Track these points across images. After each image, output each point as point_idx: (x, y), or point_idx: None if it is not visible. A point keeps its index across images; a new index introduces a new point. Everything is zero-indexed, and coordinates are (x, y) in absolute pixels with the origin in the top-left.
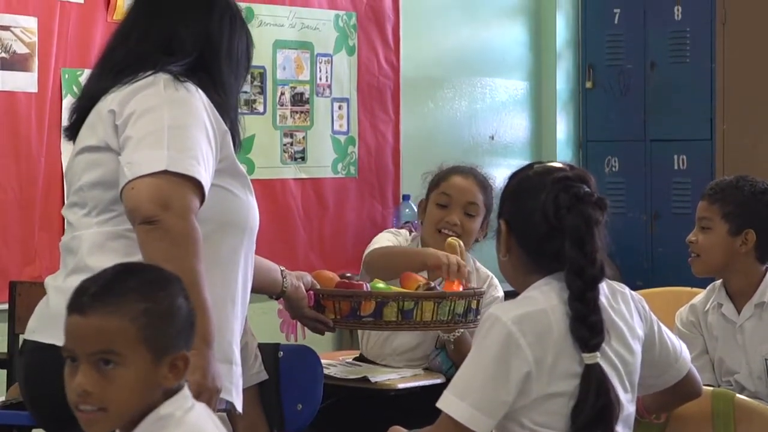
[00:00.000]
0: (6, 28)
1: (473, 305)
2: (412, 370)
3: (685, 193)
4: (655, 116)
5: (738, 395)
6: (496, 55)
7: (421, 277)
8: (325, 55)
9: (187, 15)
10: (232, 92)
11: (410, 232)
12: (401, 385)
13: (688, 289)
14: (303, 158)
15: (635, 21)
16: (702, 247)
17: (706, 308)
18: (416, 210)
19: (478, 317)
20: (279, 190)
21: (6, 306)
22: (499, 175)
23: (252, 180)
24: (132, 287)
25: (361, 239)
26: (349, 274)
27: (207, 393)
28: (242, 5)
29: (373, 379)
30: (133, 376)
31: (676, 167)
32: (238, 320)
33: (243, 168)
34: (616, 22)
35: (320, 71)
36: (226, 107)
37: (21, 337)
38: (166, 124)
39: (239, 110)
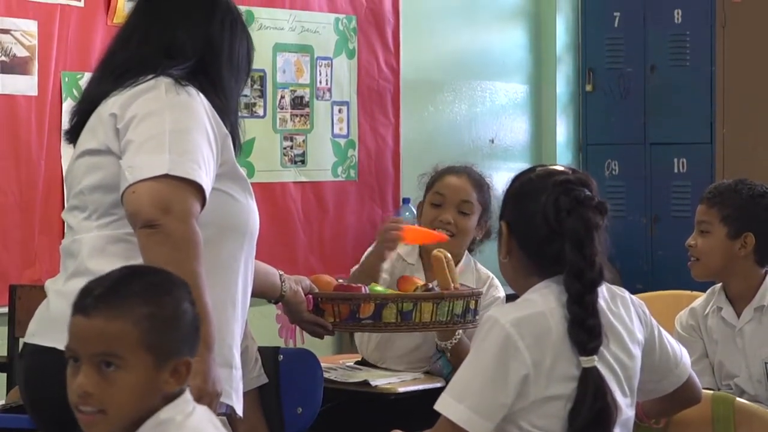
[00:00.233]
0: (6, 31)
1: (471, 305)
2: (412, 373)
3: (685, 196)
4: (655, 119)
5: (738, 399)
6: (496, 58)
7: (419, 279)
8: (325, 58)
9: (188, 19)
10: (232, 96)
11: None
12: (401, 389)
13: (688, 292)
14: (303, 161)
15: (635, 24)
16: (701, 250)
17: (706, 312)
18: (415, 213)
19: (477, 317)
20: (279, 194)
21: (6, 309)
22: (500, 179)
23: (252, 183)
24: (137, 291)
25: (361, 242)
26: (341, 279)
27: (207, 397)
28: (242, 8)
29: (373, 383)
30: (133, 380)
31: (676, 170)
32: (238, 324)
33: (243, 172)
34: (616, 25)
35: (320, 74)
36: (227, 111)
37: (21, 341)
38: (167, 128)
39: (239, 114)
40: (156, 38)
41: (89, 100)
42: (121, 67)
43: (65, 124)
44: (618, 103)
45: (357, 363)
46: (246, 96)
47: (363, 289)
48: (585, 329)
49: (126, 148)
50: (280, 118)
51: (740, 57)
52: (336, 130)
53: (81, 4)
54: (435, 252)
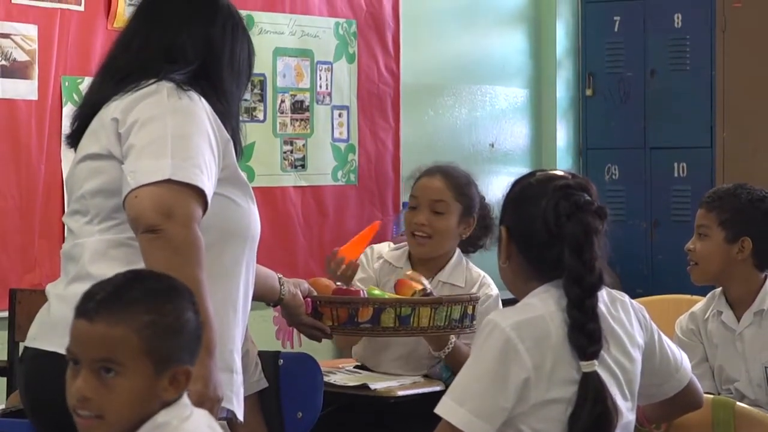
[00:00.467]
0: (6, 35)
1: (469, 311)
2: (411, 377)
3: (685, 200)
4: (655, 124)
5: (738, 403)
6: (497, 62)
7: (417, 284)
8: (325, 62)
9: (189, 23)
10: (233, 100)
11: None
12: (401, 393)
13: (688, 296)
14: (303, 166)
15: (635, 29)
16: (700, 254)
17: (706, 316)
18: None
19: (474, 323)
20: (279, 198)
21: (6, 314)
22: (500, 183)
23: (252, 188)
24: (140, 297)
25: None
26: (339, 283)
27: (209, 402)
28: (243, 13)
29: (372, 387)
30: (132, 387)
31: (676, 175)
32: (239, 328)
33: (244, 176)
34: (616, 29)
35: (320, 79)
36: (228, 115)
37: (21, 345)
38: (169, 132)
39: (240, 118)
40: (157, 42)
41: (90, 104)
42: (122, 72)
43: (66, 129)
44: (618, 107)
45: (356, 367)
46: (246, 100)
47: (361, 292)
48: (585, 334)
49: (128, 153)
50: (280, 123)
51: (740, 61)
52: (336, 135)
53: (81, 8)
54: (406, 273)
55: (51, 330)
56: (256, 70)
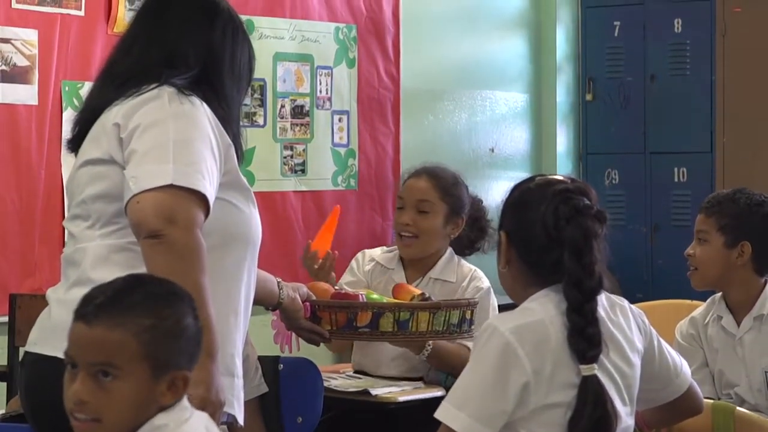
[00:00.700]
0: (6, 40)
1: (468, 315)
2: (412, 383)
3: (685, 205)
4: (655, 129)
5: (738, 408)
6: (497, 67)
7: (415, 288)
8: (325, 67)
9: (190, 27)
10: (234, 105)
11: None
12: (402, 398)
13: (688, 301)
14: (303, 171)
15: (635, 34)
16: (699, 260)
17: (706, 321)
18: None
19: (473, 327)
20: (279, 203)
21: (6, 318)
22: (500, 188)
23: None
24: (139, 301)
25: None
26: (337, 287)
27: (211, 407)
28: (242, 17)
29: (373, 392)
30: (130, 391)
31: (676, 180)
32: (240, 332)
33: (246, 181)
34: (616, 34)
35: (320, 84)
36: (229, 120)
37: (21, 350)
38: (171, 137)
39: (241, 123)
40: (158, 47)
41: (91, 109)
42: (123, 76)
43: (66, 134)
44: (618, 112)
45: (356, 372)
46: (246, 105)
47: (360, 297)
48: (585, 338)
49: (129, 158)
50: (280, 128)
51: (740, 66)
52: (336, 139)
53: (81, 13)
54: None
55: (51, 335)
56: (256, 75)
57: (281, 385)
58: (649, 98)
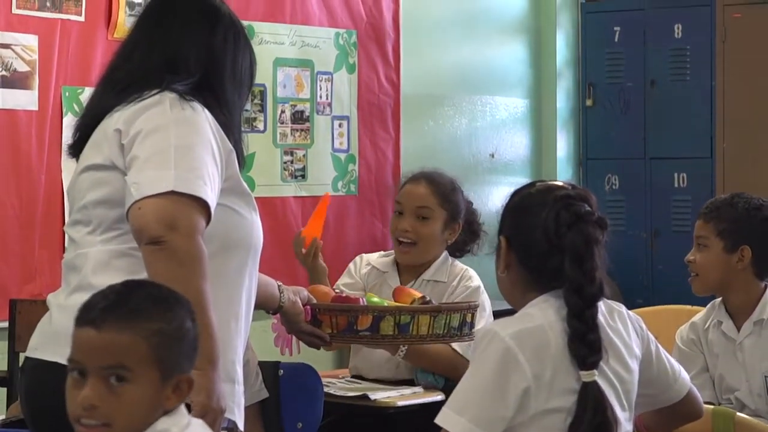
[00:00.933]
0: (6, 46)
1: (468, 318)
2: (411, 387)
3: (685, 211)
4: (655, 134)
5: (738, 413)
6: (497, 73)
7: (416, 291)
8: (325, 73)
9: (191, 33)
10: (235, 110)
11: None
12: (401, 403)
13: (688, 307)
14: (303, 176)
15: (635, 39)
16: (700, 265)
17: (706, 326)
18: None
19: (473, 330)
20: (279, 208)
21: (6, 324)
22: (500, 193)
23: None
24: (144, 305)
25: None
26: (338, 290)
27: (212, 413)
28: (243, 23)
29: (372, 397)
30: (141, 394)
31: (676, 185)
32: (241, 338)
33: (247, 186)
34: (616, 40)
35: (320, 89)
36: (231, 126)
37: (21, 355)
38: (172, 143)
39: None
40: (159, 53)
41: (92, 114)
42: (124, 82)
43: (66, 139)
44: (618, 117)
45: (353, 376)
46: (246, 110)
47: (361, 300)
48: (585, 344)
49: (131, 164)
50: (280, 133)
51: (740, 72)
52: (336, 145)
53: (81, 18)
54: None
55: (52, 340)
56: (256, 80)
57: (281, 391)
58: (649, 104)
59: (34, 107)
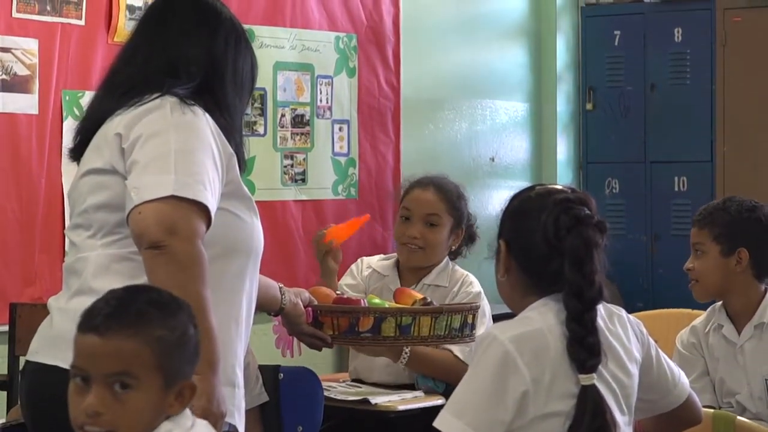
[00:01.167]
0: (7, 50)
1: (469, 320)
2: (412, 391)
3: (685, 214)
4: (655, 138)
5: (739, 417)
6: (497, 76)
7: (417, 293)
8: (325, 76)
9: (192, 37)
10: (237, 114)
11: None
12: (401, 407)
13: (689, 311)
14: (303, 180)
15: (635, 43)
16: (699, 272)
17: (707, 329)
18: None
19: (474, 332)
20: (279, 212)
21: (6, 328)
22: (500, 197)
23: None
24: (149, 311)
25: None
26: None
27: (212, 418)
28: (243, 26)
29: (373, 401)
30: (145, 401)
31: (676, 189)
32: (241, 342)
33: (248, 191)
34: (616, 44)
35: (321, 93)
36: (232, 130)
37: (21, 359)
38: (173, 148)
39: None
40: (160, 57)
41: (93, 118)
42: (124, 86)
43: (66, 143)
44: (618, 121)
45: (353, 379)
46: (247, 114)
47: (362, 302)
48: (585, 347)
49: (131, 169)
50: (280, 137)
51: (740, 76)
52: (336, 149)
53: (82, 22)
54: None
55: (53, 344)
56: (257, 84)
57: (282, 394)
58: (650, 107)
59: (35, 111)
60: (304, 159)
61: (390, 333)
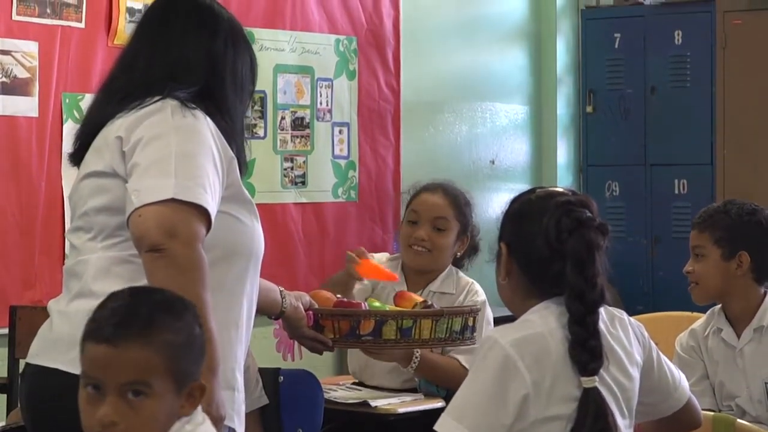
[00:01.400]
0: (7, 52)
1: (470, 322)
2: (412, 394)
3: (685, 217)
4: (655, 141)
5: (739, 420)
6: (497, 79)
7: (417, 296)
8: (325, 79)
9: (192, 39)
10: (237, 117)
11: None
12: (401, 410)
13: (689, 313)
14: (303, 182)
15: (635, 46)
16: (699, 275)
17: (706, 333)
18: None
19: (475, 334)
20: (279, 215)
21: (6, 330)
22: (500, 200)
23: None
24: (158, 316)
25: None
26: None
27: (211, 421)
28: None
29: (373, 404)
30: (160, 407)
31: (676, 191)
32: (241, 346)
33: (248, 194)
34: (616, 46)
35: (321, 95)
36: (232, 133)
37: (21, 362)
38: (173, 151)
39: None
40: (160, 60)
41: (93, 122)
42: (125, 90)
43: (66, 146)
44: (618, 124)
45: (354, 383)
46: (247, 117)
47: (363, 305)
48: (587, 350)
49: (132, 172)
50: (280, 139)
51: (740, 78)
52: (336, 151)
53: (82, 25)
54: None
55: (53, 347)
56: (257, 86)
57: (281, 397)
58: (650, 110)
59: (35, 114)
60: (304, 162)
61: (391, 336)
